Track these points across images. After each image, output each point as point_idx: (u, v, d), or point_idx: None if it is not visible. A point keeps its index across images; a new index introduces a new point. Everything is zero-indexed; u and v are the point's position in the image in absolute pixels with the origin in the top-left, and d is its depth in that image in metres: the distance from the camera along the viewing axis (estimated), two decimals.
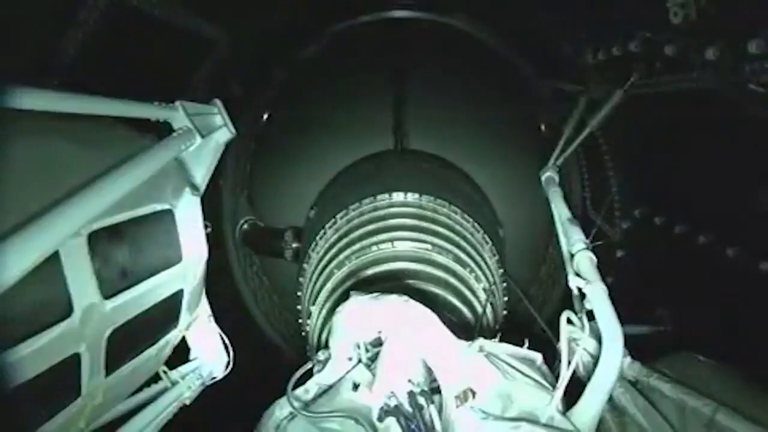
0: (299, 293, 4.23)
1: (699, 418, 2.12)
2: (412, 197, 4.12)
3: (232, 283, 5.68)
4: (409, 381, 2.40)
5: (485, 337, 2.66)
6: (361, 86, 5.50)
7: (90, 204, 2.02)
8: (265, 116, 5.76)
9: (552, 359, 2.65)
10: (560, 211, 3.88)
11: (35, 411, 2.10)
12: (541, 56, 5.21)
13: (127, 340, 2.54)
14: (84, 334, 2.16)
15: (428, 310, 2.58)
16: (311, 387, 2.63)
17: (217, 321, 3.59)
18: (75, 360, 2.18)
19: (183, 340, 3.34)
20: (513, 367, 2.46)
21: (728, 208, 3.28)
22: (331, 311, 3.32)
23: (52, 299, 2.02)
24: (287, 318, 5.81)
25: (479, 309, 3.66)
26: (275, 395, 2.50)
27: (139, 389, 3.01)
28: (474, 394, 2.31)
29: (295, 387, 2.55)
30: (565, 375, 2.35)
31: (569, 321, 2.59)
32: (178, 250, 2.84)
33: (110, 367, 2.44)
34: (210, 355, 3.56)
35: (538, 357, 2.63)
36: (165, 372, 3.18)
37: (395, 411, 2.31)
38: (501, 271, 4.25)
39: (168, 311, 2.94)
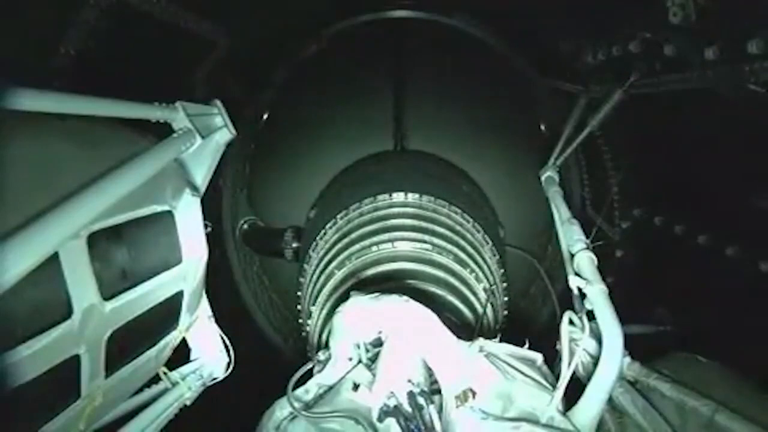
0: (299, 293, 4.23)
1: (698, 418, 2.12)
2: (412, 197, 4.11)
3: (232, 283, 5.68)
4: (409, 381, 2.39)
5: (485, 338, 2.65)
6: (361, 86, 5.50)
7: (90, 205, 2.02)
8: (265, 116, 5.75)
9: (552, 359, 2.65)
10: (560, 211, 3.88)
11: (35, 413, 2.10)
12: (541, 56, 5.21)
13: (127, 342, 2.54)
14: (84, 335, 2.16)
15: (428, 311, 2.58)
16: (311, 387, 2.62)
17: (217, 321, 3.59)
18: (75, 361, 2.18)
19: (183, 340, 3.34)
20: (513, 368, 2.46)
21: (728, 208, 3.28)
22: (332, 311, 3.31)
23: (52, 301, 2.02)
24: (287, 318, 5.81)
25: (479, 309, 3.66)
26: (275, 395, 2.49)
27: (140, 390, 3.02)
28: (474, 394, 2.31)
29: (295, 387, 2.55)
30: (565, 375, 2.35)
31: (570, 322, 2.59)
32: (178, 251, 2.84)
33: (110, 368, 2.44)
34: (210, 355, 3.56)
35: (538, 357, 2.63)
36: (165, 373, 3.18)
37: (395, 411, 2.31)
38: (501, 271, 4.24)
39: (168, 312, 2.94)
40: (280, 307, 5.96)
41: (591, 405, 2.31)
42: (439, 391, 2.46)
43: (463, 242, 3.93)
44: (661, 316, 3.89)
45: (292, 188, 5.58)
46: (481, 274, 3.83)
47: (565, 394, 2.33)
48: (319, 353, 2.87)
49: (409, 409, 2.30)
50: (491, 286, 3.88)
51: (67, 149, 2.20)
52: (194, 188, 3.11)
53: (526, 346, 2.68)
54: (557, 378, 2.41)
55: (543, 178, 4.58)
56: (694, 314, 3.59)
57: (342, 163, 5.27)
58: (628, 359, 2.52)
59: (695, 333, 3.40)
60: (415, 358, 2.52)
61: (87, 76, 2.85)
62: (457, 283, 3.64)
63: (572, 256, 3.18)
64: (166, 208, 2.72)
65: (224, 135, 3.35)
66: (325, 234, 4.12)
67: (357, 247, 3.79)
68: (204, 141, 3.13)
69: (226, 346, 3.60)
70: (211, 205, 4.33)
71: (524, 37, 5.25)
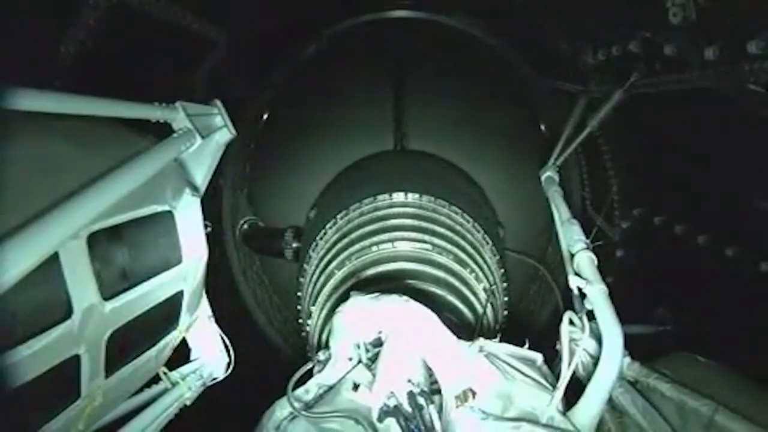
0: (299, 293, 4.23)
1: (698, 418, 2.12)
2: (412, 197, 4.12)
3: (232, 283, 5.68)
4: (409, 381, 2.39)
5: (485, 338, 2.65)
6: (361, 86, 5.50)
7: (90, 205, 2.02)
8: (265, 116, 5.76)
9: (552, 359, 2.65)
10: (560, 211, 3.88)
11: (35, 413, 2.10)
12: (541, 56, 5.21)
13: (127, 342, 2.54)
14: (84, 335, 2.16)
15: (428, 311, 2.58)
16: (311, 387, 2.62)
17: (217, 321, 3.59)
18: (75, 361, 2.18)
19: (183, 340, 3.34)
20: (513, 368, 2.46)
21: (728, 208, 3.28)
22: (332, 311, 3.31)
23: (52, 301, 2.02)
24: (287, 318, 5.82)
25: (479, 309, 3.66)
26: (275, 395, 2.49)
27: (140, 390, 3.01)
28: (474, 394, 2.31)
29: (295, 387, 2.55)
30: (565, 375, 2.35)
31: (570, 322, 2.59)
32: (178, 251, 2.84)
33: (110, 368, 2.44)
34: (210, 355, 3.56)
35: (538, 357, 2.63)
36: (165, 373, 3.18)
37: (395, 411, 2.31)
38: (501, 271, 4.25)
39: (168, 312, 2.94)
40: (280, 307, 5.96)
41: (591, 405, 2.31)
42: (439, 391, 2.46)
43: (463, 242, 3.93)
44: (661, 316, 3.90)
45: (292, 188, 5.58)
46: (481, 274, 3.83)
47: (565, 394, 2.33)
48: (319, 353, 2.87)
49: (409, 409, 2.30)
50: (491, 286, 3.88)
51: (67, 149, 2.20)
52: (194, 188, 3.11)
53: (526, 346, 2.68)
54: (557, 378, 2.41)
55: (543, 178, 4.58)
56: (694, 314, 3.59)
57: (342, 163, 5.28)
58: (628, 359, 2.52)
59: (695, 333, 3.40)
60: (415, 358, 2.52)
61: (87, 76, 2.85)
62: (457, 283, 3.64)
63: (572, 256, 3.18)
64: (166, 208, 2.72)
65: (224, 135, 3.35)
66: (325, 234, 4.12)
67: (357, 247, 3.79)
68: (204, 141, 3.13)
69: (226, 346, 3.60)
70: (211, 205, 4.34)
71: (524, 37, 5.25)
